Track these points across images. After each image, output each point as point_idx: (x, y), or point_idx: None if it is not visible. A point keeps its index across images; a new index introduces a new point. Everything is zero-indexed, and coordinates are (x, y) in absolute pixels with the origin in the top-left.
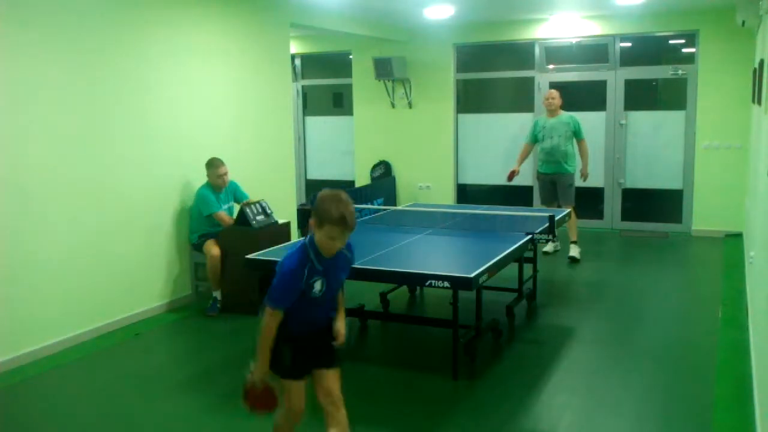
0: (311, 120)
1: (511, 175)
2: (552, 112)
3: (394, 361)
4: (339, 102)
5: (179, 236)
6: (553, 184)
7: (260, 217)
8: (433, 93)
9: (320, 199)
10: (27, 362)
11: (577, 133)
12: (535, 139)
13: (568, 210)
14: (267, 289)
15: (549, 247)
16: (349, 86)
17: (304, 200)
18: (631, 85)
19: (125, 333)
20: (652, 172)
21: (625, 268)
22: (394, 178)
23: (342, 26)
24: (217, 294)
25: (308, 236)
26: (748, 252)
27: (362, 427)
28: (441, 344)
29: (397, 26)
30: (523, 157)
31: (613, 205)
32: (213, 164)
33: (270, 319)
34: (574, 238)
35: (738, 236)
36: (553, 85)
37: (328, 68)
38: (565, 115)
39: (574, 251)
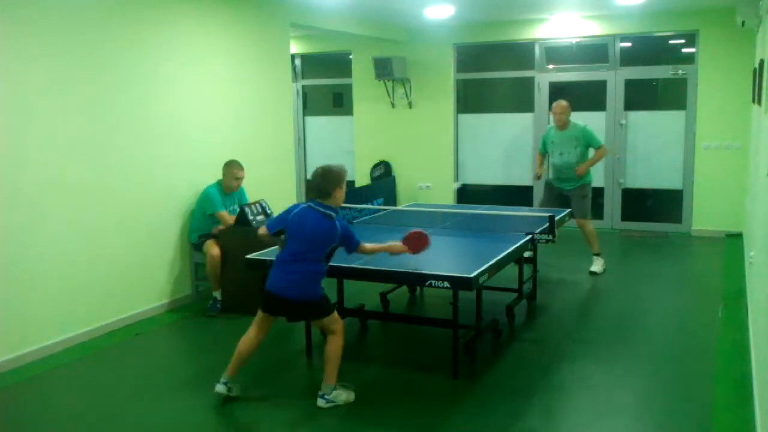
0: (311, 120)
1: (539, 176)
2: (561, 126)
3: (394, 361)
4: (339, 102)
5: (179, 236)
6: (564, 196)
7: (260, 217)
8: (433, 93)
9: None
10: (27, 362)
11: (592, 143)
12: (545, 150)
13: (585, 221)
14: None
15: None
16: (349, 86)
17: (304, 200)
18: (631, 85)
19: (125, 333)
20: (652, 172)
21: (625, 268)
22: (394, 178)
23: (342, 26)
24: (217, 294)
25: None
26: (748, 252)
27: (362, 427)
28: (441, 344)
29: (397, 26)
30: (540, 164)
31: (613, 205)
32: (232, 165)
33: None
34: (596, 251)
35: (738, 236)
36: (553, 86)
37: (328, 68)
38: (574, 126)
39: (597, 266)
